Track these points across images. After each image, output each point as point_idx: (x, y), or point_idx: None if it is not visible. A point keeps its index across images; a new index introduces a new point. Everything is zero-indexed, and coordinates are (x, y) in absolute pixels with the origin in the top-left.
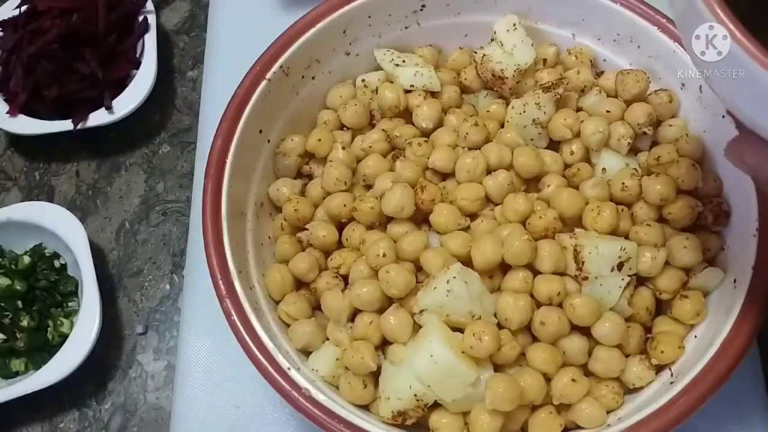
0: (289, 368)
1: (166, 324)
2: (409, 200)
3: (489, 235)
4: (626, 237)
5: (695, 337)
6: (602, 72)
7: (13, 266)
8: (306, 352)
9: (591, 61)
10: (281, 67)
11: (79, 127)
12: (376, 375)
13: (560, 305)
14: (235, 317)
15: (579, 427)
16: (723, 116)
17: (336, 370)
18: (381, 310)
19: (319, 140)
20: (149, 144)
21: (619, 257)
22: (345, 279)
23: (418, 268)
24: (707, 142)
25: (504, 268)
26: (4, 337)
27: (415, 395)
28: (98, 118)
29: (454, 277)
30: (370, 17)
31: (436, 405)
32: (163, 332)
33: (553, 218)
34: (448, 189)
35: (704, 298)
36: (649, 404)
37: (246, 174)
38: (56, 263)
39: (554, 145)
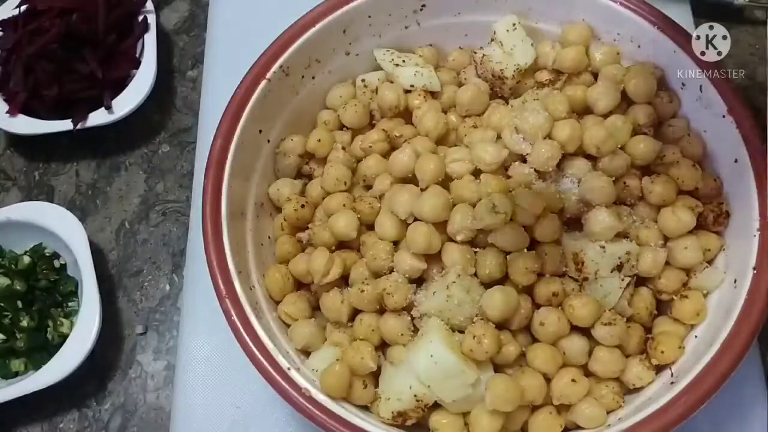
0: (289, 368)
1: (166, 324)
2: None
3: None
4: (626, 237)
5: (695, 337)
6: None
7: (13, 266)
8: (306, 352)
9: (591, 61)
10: (281, 67)
11: (78, 127)
12: (376, 375)
13: (560, 306)
14: (235, 317)
15: (579, 428)
16: (723, 116)
17: None
18: (381, 311)
19: (319, 140)
20: (149, 144)
21: (620, 258)
22: (345, 279)
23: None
24: (707, 142)
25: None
26: (4, 337)
27: (415, 396)
28: (98, 118)
29: (454, 282)
30: (370, 17)
31: (436, 405)
32: (163, 332)
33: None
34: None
35: (704, 298)
36: (649, 404)
37: (246, 174)
38: (56, 263)
39: None
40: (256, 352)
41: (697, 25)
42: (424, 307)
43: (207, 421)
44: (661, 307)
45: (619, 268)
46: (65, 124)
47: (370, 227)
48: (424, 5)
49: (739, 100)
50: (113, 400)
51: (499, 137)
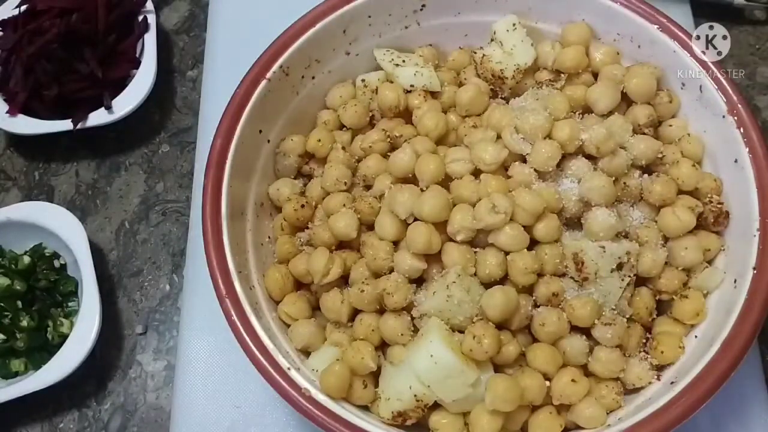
0: (289, 368)
1: (166, 324)
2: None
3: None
4: (626, 237)
5: (695, 337)
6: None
7: (13, 266)
8: (306, 352)
9: (591, 61)
10: (281, 67)
11: (78, 127)
12: (376, 375)
13: (560, 306)
14: (235, 317)
15: (579, 428)
16: (723, 116)
17: None
18: (381, 311)
19: (319, 140)
20: (149, 144)
21: (620, 258)
22: (345, 279)
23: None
24: (707, 142)
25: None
26: (4, 337)
27: (415, 396)
28: (98, 118)
29: (454, 282)
30: (370, 17)
31: (436, 405)
32: (163, 332)
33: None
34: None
35: (704, 298)
36: (649, 404)
37: (246, 174)
38: (56, 263)
39: None
40: (256, 352)
41: (697, 25)
42: (424, 307)
43: (207, 421)
44: (661, 307)
45: (619, 268)
46: (65, 124)
47: (370, 227)
48: (424, 5)
49: (739, 100)
50: (113, 400)
51: (499, 137)
